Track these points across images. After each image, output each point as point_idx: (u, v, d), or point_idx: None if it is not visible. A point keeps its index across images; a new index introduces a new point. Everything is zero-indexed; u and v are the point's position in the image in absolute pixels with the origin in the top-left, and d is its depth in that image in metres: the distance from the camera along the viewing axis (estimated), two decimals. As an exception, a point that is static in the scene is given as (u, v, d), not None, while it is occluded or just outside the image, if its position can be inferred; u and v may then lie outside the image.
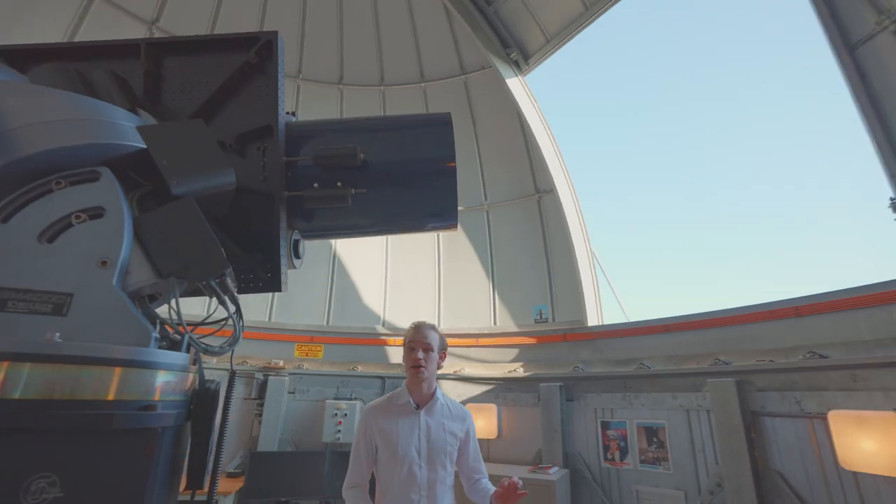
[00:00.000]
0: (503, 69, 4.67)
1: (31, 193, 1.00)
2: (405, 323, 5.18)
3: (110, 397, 0.91)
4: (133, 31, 4.41)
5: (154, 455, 0.94)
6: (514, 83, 4.71)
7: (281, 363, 4.63)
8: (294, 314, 5.07)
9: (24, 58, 1.48)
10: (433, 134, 1.63)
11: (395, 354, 5.03)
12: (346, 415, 4.34)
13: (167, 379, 1.00)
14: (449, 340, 4.95)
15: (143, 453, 0.92)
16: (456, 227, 1.69)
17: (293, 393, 4.53)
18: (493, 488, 1.82)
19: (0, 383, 0.83)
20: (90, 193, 1.03)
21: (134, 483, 0.90)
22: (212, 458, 1.08)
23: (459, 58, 4.91)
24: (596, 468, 3.73)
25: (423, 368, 1.84)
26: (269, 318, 5.03)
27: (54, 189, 1.01)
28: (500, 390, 4.41)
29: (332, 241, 5.31)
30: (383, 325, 5.18)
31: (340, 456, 4.14)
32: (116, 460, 0.89)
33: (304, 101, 5.01)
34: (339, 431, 4.27)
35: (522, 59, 4.74)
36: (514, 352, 4.71)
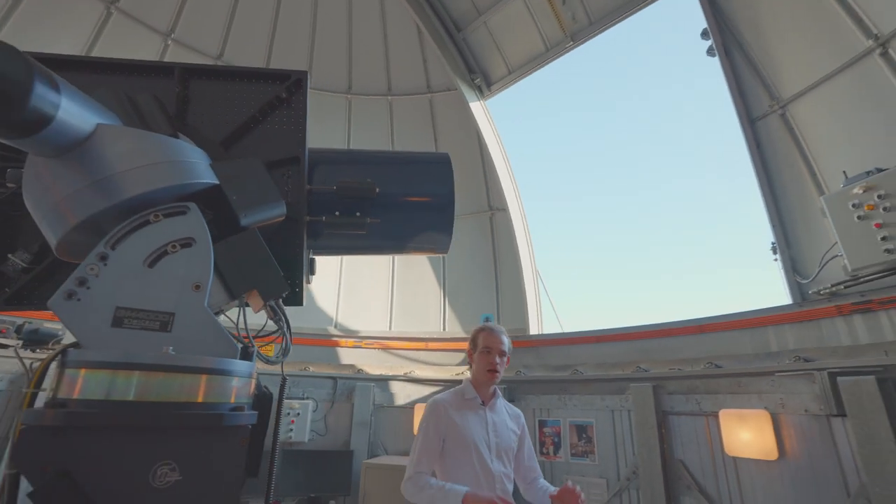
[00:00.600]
0: (467, 93, 5.03)
1: (133, 224, 1.17)
2: (357, 325, 5.36)
3: (214, 400, 1.12)
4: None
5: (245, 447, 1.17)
6: (476, 106, 5.09)
7: (231, 362, 4.59)
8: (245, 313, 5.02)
9: (66, 68, 1.57)
10: (436, 172, 1.92)
11: (346, 355, 5.18)
12: (298, 414, 4.43)
13: (243, 384, 1.22)
14: (399, 343, 5.23)
15: (239, 445, 1.14)
16: (447, 252, 2.00)
17: (243, 392, 4.52)
18: (552, 488, 1.89)
19: (134, 389, 1.02)
20: (181, 225, 1.21)
21: (234, 470, 1.12)
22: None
23: (427, 77, 5.19)
24: (532, 461, 4.20)
25: (498, 373, 1.93)
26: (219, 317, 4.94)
27: (151, 221, 1.18)
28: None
29: (288, 242, 5.33)
30: (336, 326, 5.31)
31: (294, 454, 4.23)
32: (221, 451, 1.10)
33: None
34: (292, 430, 4.35)
35: (485, 85, 5.13)
36: (461, 356, 5.07)
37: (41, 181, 1.14)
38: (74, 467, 0.93)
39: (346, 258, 5.47)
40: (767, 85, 3.42)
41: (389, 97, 5.29)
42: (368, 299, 5.47)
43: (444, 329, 5.32)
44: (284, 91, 1.74)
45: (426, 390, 4.82)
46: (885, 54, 2.79)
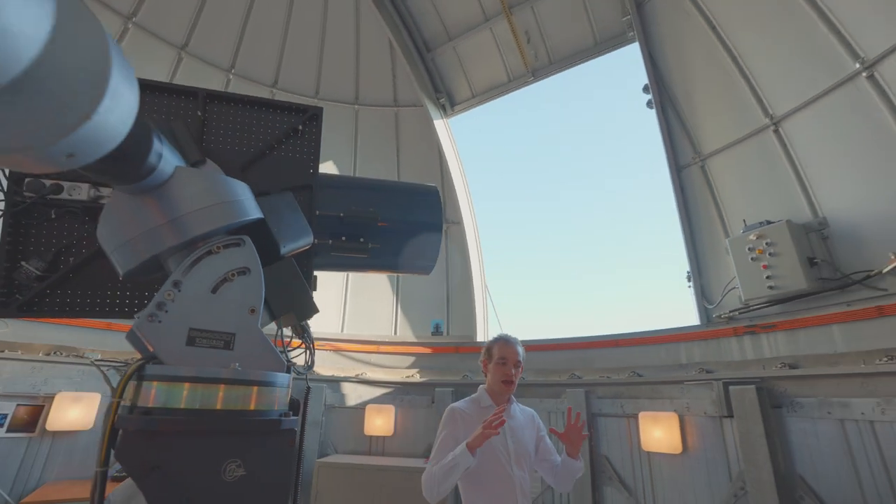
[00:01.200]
0: (432, 110, 5.31)
1: (200, 253, 1.35)
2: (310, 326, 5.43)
3: (267, 407, 1.34)
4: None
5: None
6: (440, 124, 5.39)
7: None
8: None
9: None
10: (427, 203, 2.21)
11: (298, 356, 5.23)
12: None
13: (284, 393, 1.44)
14: (351, 346, 5.38)
15: (289, 446, 1.37)
16: (429, 273, 2.30)
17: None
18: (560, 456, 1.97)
19: (211, 399, 1.22)
20: (238, 256, 1.41)
21: (287, 467, 1.35)
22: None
23: (395, 91, 5.40)
24: (475, 458, 4.58)
25: (513, 384, 1.98)
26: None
27: (213, 252, 1.37)
28: (398, 393, 5.00)
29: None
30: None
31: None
32: (277, 451, 1.32)
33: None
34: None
35: (449, 105, 5.45)
36: (411, 359, 5.34)
37: (120, 216, 1.28)
38: (164, 464, 1.12)
39: (302, 259, 5.51)
40: (692, 139, 4.08)
41: (356, 106, 5.42)
42: (321, 301, 5.53)
43: (395, 333, 5.56)
44: (301, 123, 1.95)
45: (377, 391, 5.03)
46: (777, 131, 3.50)
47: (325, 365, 5.20)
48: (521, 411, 2.08)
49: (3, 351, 3.74)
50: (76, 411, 3.83)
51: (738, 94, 3.70)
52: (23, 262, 1.63)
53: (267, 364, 1.37)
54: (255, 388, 1.31)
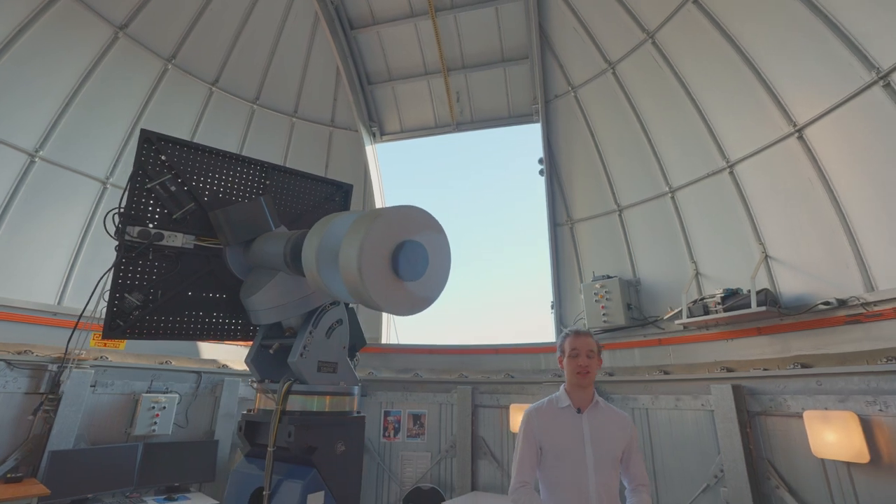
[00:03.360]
0: (365, 136, 5.94)
1: (322, 312, 2.05)
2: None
3: (351, 409, 2.11)
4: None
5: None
6: (369, 149, 6.05)
7: (83, 354, 4.35)
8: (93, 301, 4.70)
9: (183, 146, 2.20)
10: None
11: (208, 351, 5.36)
12: (164, 407, 4.54)
13: (358, 399, 2.22)
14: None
15: (363, 433, 2.15)
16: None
17: (94, 386, 4.34)
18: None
19: (329, 405, 1.97)
20: (338, 312, 2.16)
21: (361, 445, 2.14)
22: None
23: (333, 112, 5.85)
24: (377, 442, 5.44)
25: (588, 374, 1.93)
26: (59, 302, 4.52)
27: (327, 309, 2.09)
28: (310, 387, 5.54)
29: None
30: (198, 321, 5.39)
31: (157, 447, 4.37)
32: (357, 435, 2.10)
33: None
34: (155, 424, 4.46)
35: (379, 133, 6.13)
36: (321, 356, 5.90)
37: (277, 289, 1.91)
38: (317, 444, 1.83)
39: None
40: (567, 206, 5.59)
41: (293, 118, 5.72)
42: (234, 297, 5.70)
43: (306, 331, 6.02)
44: (338, 195, 2.68)
45: (290, 386, 5.49)
46: (620, 214, 5.16)
47: (236, 360, 5.43)
48: (608, 412, 2.00)
49: None
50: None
51: (600, 183, 5.29)
52: (127, 295, 2.07)
53: (351, 381, 2.12)
54: (349, 397, 2.06)
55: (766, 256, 3.94)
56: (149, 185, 2.14)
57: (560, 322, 5.49)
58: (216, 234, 2.30)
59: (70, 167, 4.55)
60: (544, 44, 5.32)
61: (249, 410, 2.10)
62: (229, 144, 5.51)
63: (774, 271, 3.89)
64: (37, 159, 4.32)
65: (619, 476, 1.95)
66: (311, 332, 1.96)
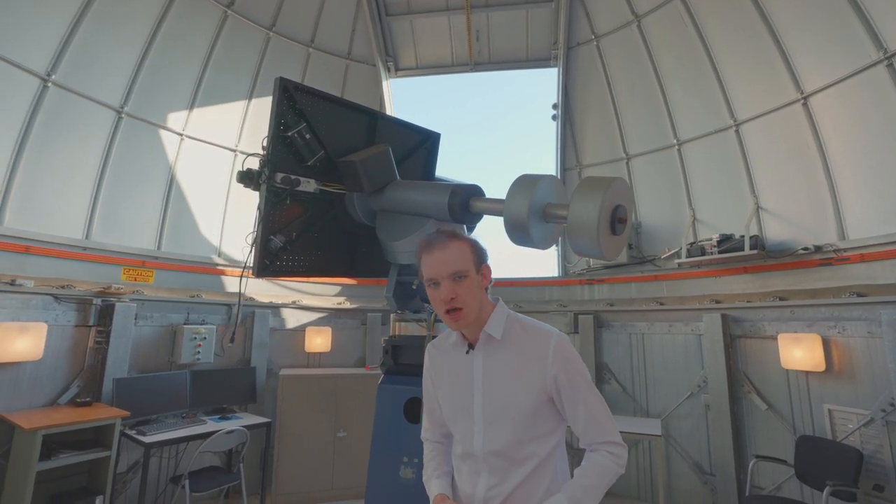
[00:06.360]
0: (382, 71, 5.83)
1: None
2: (241, 255, 5.62)
3: None
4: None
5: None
6: (385, 84, 5.96)
7: (122, 288, 4.38)
8: (118, 236, 4.64)
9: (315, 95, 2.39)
10: None
11: (232, 284, 5.47)
12: (205, 338, 4.75)
13: None
14: (287, 279, 5.87)
15: None
16: None
17: (136, 319, 4.43)
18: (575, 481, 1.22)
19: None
20: None
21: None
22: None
23: (350, 44, 5.62)
24: (397, 366, 5.98)
25: (460, 311, 1.25)
26: (87, 237, 4.43)
27: None
28: (332, 317, 5.89)
29: (172, 163, 5.02)
30: (220, 255, 5.44)
31: (204, 374, 4.63)
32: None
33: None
34: (199, 353, 4.68)
35: (394, 68, 6.01)
36: (338, 288, 6.19)
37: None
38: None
39: (234, 195, 5.49)
40: (577, 152, 5.95)
41: (310, 49, 5.45)
42: (252, 230, 5.72)
43: (322, 266, 6.22)
44: (427, 143, 2.92)
45: (313, 315, 5.80)
46: (627, 162, 5.61)
47: (259, 292, 5.61)
48: (519, 343, 1.32)
49: (-80, 276, 3.24)
50: (23, 342, 3.63)
51: (611, 131, 5.66)
52: (272, 237, 2.30)
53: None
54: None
55: (758, 207, 4.59)
56: (289, 133, 2.26)
57: (564, 258, 6.07)
58: (341, 181, 2.48)
59: (82, 93, 4.24)
60: (571, -12, 5.34)
61: (392, 336, 2.45)
62: (243, 74, 5.25)
63: (763, 220, 4.57)
64: (49, 84, 3.99)
65: (552, 432, 1.28)
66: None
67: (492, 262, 1.47)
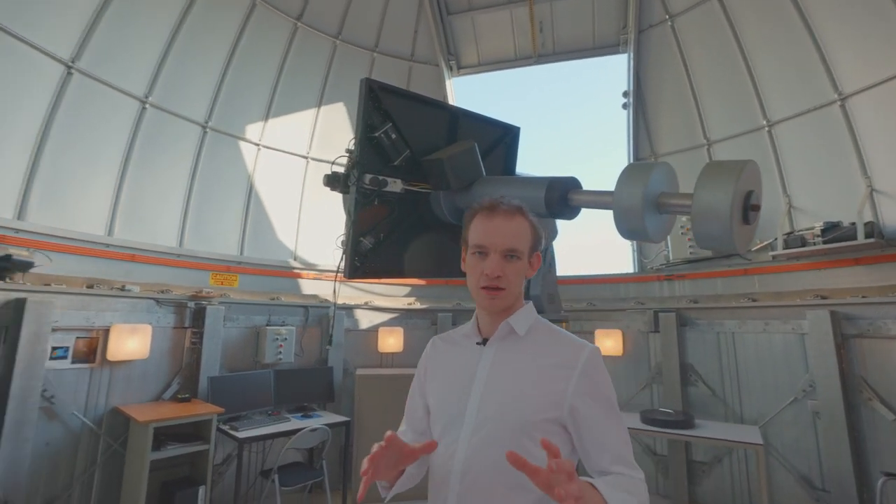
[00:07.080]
0: (444, 70, 5.82)
1: (547, 248, 2.27)
2: (315, 258, 5.83)
3: None
4: None
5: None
6: (448, 84, 5.95)
7: (212, 292, 4.68)
8: (206, 243, 4.96)
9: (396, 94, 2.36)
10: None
11: (307, 287, 5.69)
12: (286, 339, 4.97)
13: None
14: (364, 280, 6.04)
15: None
16: None
17: (224, 321, 4.71)
18: None
19: None
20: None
21: None
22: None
23: (413, 46, 5.68)
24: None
25: (501, 291, 1.08)
26: (181, 244, 4.77)
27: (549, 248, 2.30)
28: (403, 318, 5.96)
29: (251, 172, 5.30)
30: (296, 259, 5.68)
31: (286, 373, 4.85)
32: None
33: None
34: (280, 353, 4.90)
35: (456, 67, 5.99)
36: (407, 289, 6.26)
37: None
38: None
39: (307, 200, 5.70)
40: (651, 140, 5.61)
41: (374, 53, 5.57)
42: (324, 234, 5.93)
43: (389, 267, 6.33)
44: (507, 137, 2.81)
45: (385, 316, 5.90)
46: (709, 149, 5.21)
47: (332, 294, 5.79)
48: (543, 344, 1.13)
49: (49, 284, 3.60)
50: (133, 342, 3.94)
51: (689, 117, 5.28)
52: (362, 238, 2.29)
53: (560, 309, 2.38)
54: (565, 323, 2.32)
55: (872, 190, 4.07)
56: (376, 134, 2.27)
57: (640, 253, 5.75)
58: (426, 180, 2.46)
59: (175, 112, 4.58)
60: (640, -33, 5.05)
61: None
62: (312, 83, 5.45)
63: (879, 204, 4.05)
64: (147, 105, 4.33)
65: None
66: (548, 269, 2.20)
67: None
